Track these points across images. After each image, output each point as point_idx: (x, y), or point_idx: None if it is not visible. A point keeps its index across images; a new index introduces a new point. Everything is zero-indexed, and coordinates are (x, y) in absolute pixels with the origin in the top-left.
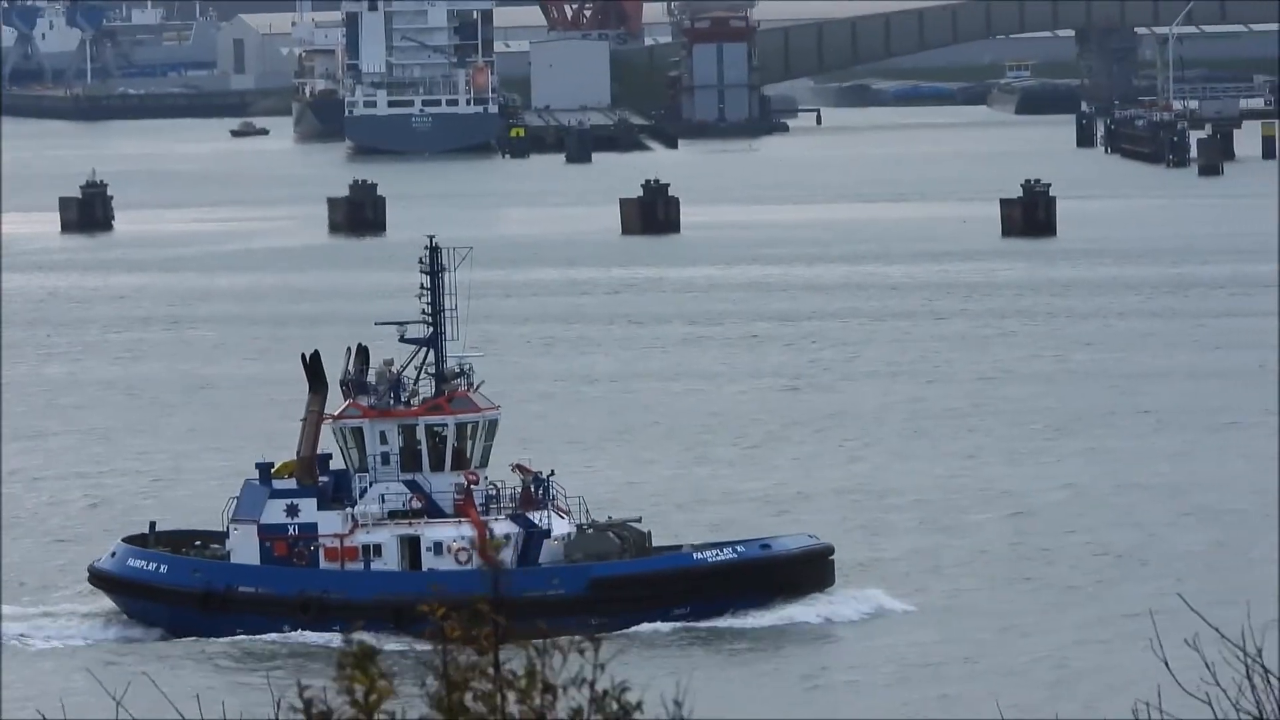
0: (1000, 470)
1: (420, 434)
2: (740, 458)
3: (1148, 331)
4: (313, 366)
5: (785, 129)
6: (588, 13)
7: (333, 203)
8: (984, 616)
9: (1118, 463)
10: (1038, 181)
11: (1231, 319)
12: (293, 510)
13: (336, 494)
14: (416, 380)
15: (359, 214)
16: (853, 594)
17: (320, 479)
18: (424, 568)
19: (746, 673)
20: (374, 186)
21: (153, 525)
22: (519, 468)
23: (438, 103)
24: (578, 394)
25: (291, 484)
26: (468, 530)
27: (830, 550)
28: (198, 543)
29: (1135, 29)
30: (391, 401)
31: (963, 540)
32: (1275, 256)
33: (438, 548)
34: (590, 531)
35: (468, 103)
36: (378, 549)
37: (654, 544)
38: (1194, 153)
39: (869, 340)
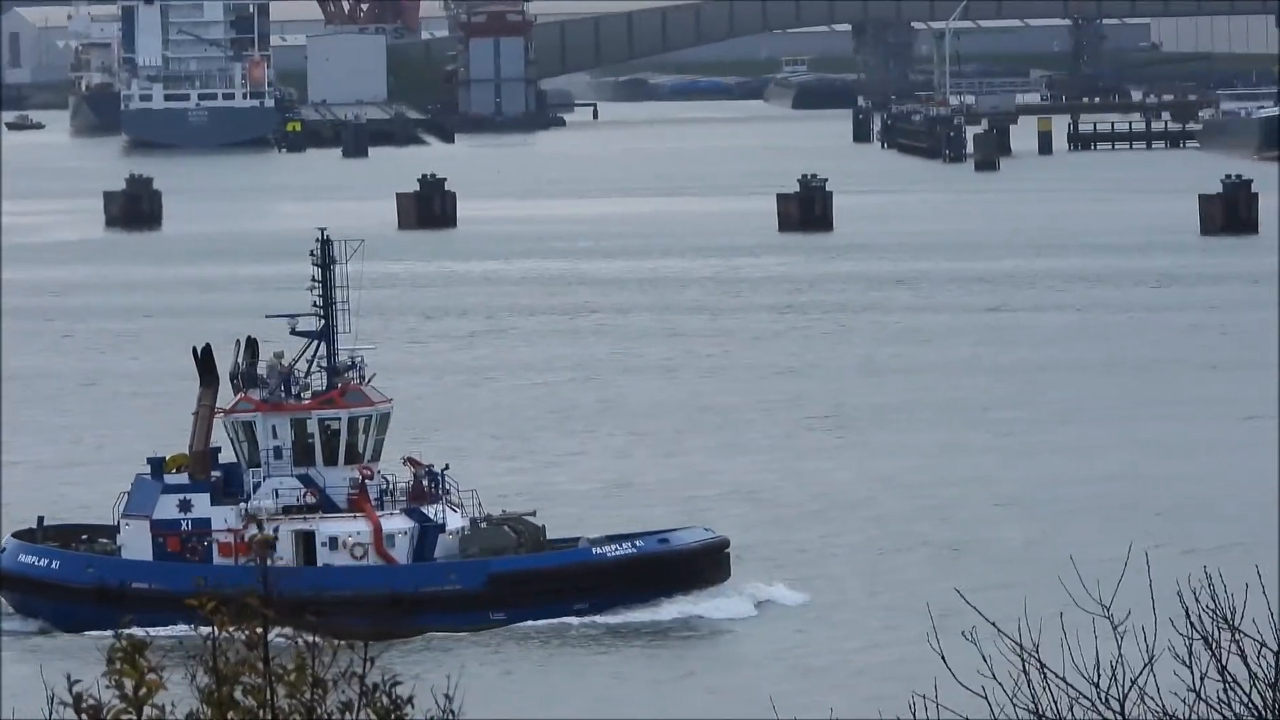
0: (787, 464)
1: (313, 428)
2: (534, 451)
3: (924, 326)
4: (204, 360)
5: (562, 123)
6: (364, 7)
7: (109, 196)
8: (793, 611)
9: (894, 456)
10: (814, 176)
11: (1007, 313)
12: (185, 505)
13: (228, 489)
14: (308, 373)
15: (135, 208)
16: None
17: (212, 474)
18: (319, 563)
19: (534, 670)
20: (150, 180)
21: (40, 520)
22: (410, 461)
23: (214, 96)
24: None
25: (184, 479)
26: (363, 525)
27: (726, 544)
28: (84, 537)
29: (912, 23)
30: (283, 395)
31: (774, 535)
32: (1050, 251)
33: (332, 543)
34: (485, 526)
35: (244, 96)
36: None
37: (548, 538)
38: (970, 148)
39: (647, 334)
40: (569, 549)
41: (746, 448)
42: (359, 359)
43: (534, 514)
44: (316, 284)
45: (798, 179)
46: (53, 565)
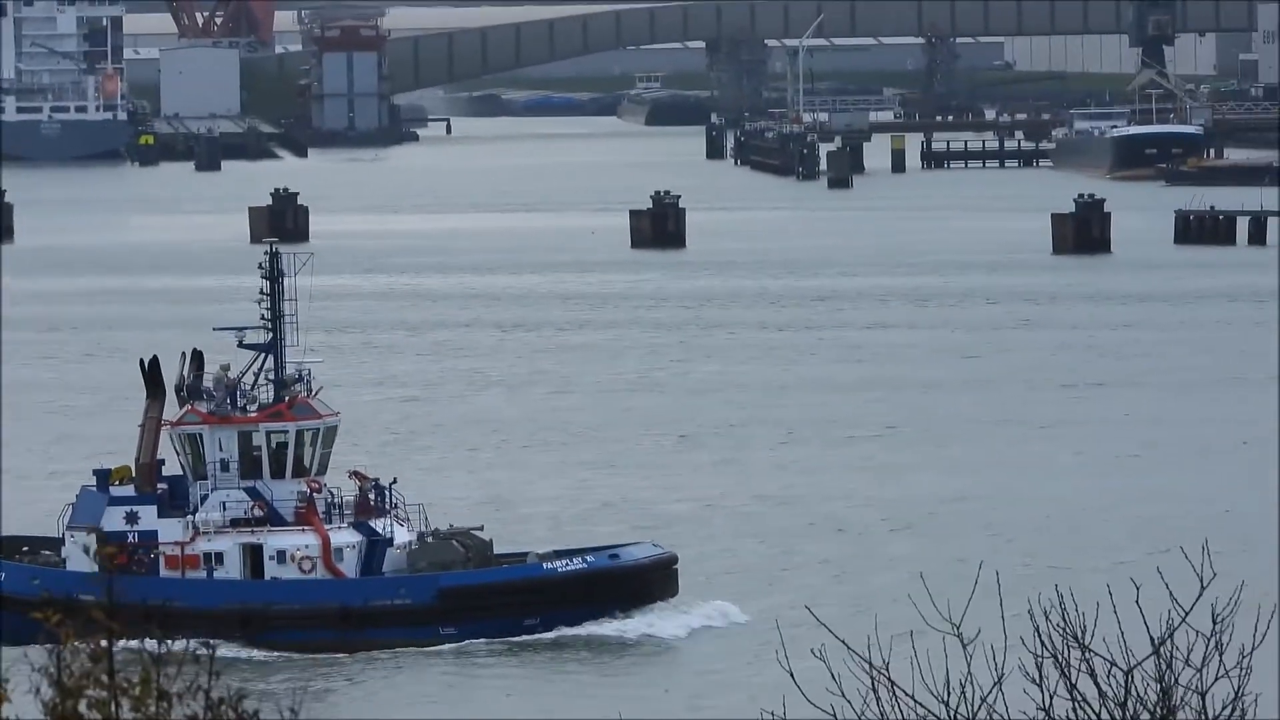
0: (631, 481)
1: (260, 440)
2: (388, 467)
3: (776, 343)
4: (151, 372)
5: (415, 138)
6: (218, 21)
7: None
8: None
9: (748, 474)
10: (667, 193)
11: (859, 331)
12: (132, 517)
13: (174, 501)
14: (254, 386)
15: None
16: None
17: (159, 486)
18: (266, 576)
19: (374, 687)
20: (2, 193)
21: None
22: (356, 475)
23: (66, 109)
24: None
25: (130, 491)
26: (312, 539)
27: (675, 559)
28: (25, 549)
29: (766, 41)
30: (230, 408)
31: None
32: (903, 269)
33: (280, 556)
34: (432, 540)
35: (97, 109)
36: (219, 557)
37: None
38: (823, 165)
39: (497, 350)
40: (519, 564)
41: (598, 463)
42: (306, 372)
43: (481, 528)
44: (265, 297)
45: (651, 195)
46: None
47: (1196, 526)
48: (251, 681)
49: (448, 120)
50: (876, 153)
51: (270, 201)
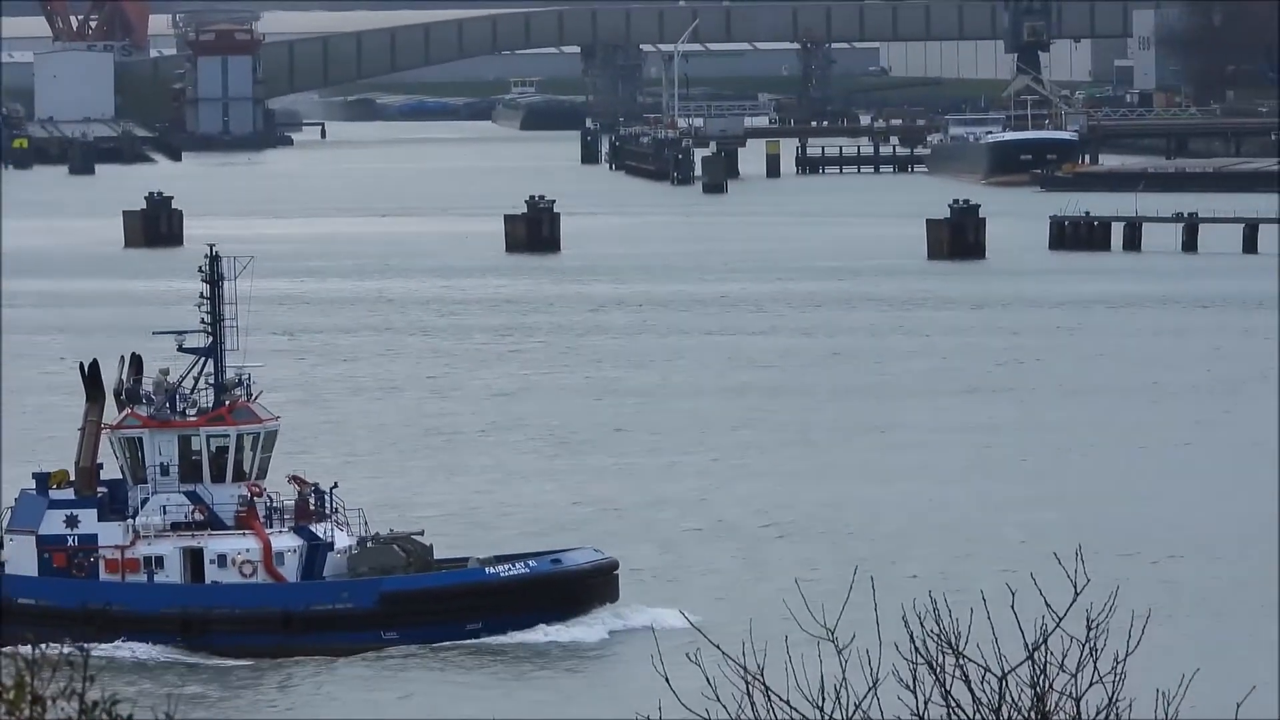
0: (516, 485)
1: (200, 445)
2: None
3: (650, 348)
4: (91, 376)
5: (289, 142)
6: (93, 24)
7: None
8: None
9: (628, 478)
10: (542, 198)
11: (732, 336)
12: (72, 521)
13: (114, 505)
14: (194, 390)
15: None
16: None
17: (98, 490)
18: (207, 580)
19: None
20: None
21: None
22: (295, 479)
23: None
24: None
25: (70, 494)
26: (253, 543)
27: (616, 565)
28: None
29: (640, 46)
30: (170, 411)
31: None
32: (777, 274)
33: (221, 560)
34: (372, 545)
35: None
36: (159, 561)
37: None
38: (698, 170)
39: (373, 355)
40: (461, 568)
41: (465, 468)
42: (246, 376)
43: (421, 533)
44: (205, 300)
45: (525, 200)
46: None
47: (1072, 532)
48: (130, 684)
49: (322, 124)
50: (751, 158)
51: (145, 205)
